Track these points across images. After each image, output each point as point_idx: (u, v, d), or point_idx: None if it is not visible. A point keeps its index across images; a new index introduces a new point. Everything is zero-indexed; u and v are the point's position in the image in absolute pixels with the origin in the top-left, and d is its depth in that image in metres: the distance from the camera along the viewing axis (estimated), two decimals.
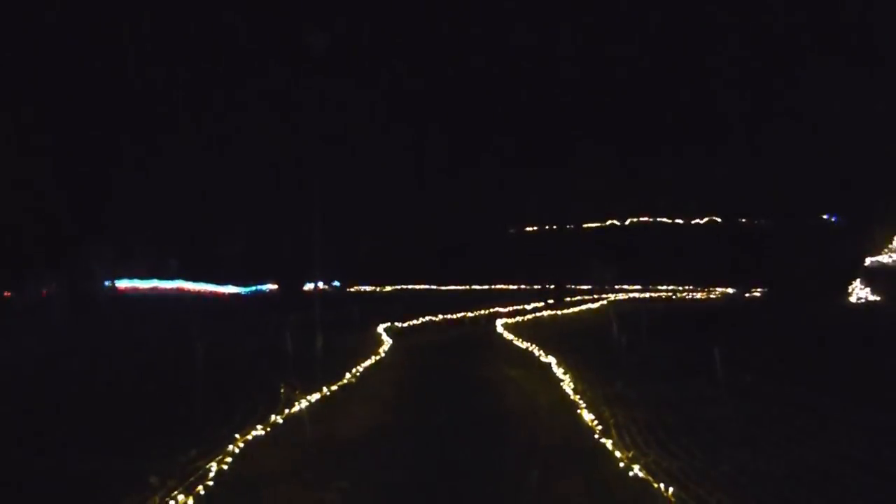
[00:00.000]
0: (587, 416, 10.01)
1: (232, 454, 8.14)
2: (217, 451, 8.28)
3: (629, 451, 8.16)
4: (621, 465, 7.70)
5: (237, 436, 8.86)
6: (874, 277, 25.49)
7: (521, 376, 15.61)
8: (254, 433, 9.11)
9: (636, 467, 7.46)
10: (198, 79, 53.14)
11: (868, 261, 27.21)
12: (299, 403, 11.02)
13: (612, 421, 9.72)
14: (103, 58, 45.91)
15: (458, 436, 10.19)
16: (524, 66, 76.05)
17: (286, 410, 10.52)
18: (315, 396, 11.88)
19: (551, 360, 16.55)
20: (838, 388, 12.44)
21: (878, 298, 24.08)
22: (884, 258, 27.13)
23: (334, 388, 13.05)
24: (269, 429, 9.49)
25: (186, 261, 54.97)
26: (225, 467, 7.70)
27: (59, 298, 30.39)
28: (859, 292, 24.89)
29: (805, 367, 14.82)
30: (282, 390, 11.35)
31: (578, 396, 11.62)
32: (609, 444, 8.47)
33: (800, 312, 23.33)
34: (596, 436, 8.97)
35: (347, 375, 14.30)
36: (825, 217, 70.45)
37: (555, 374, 14.78)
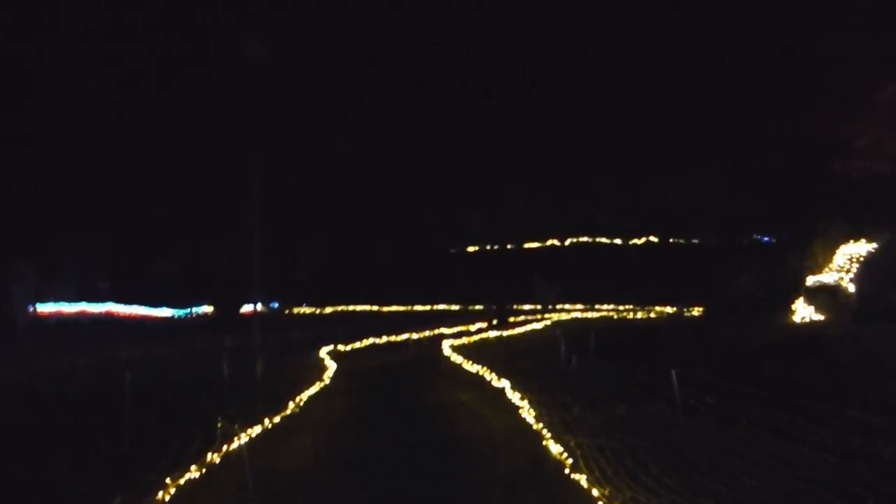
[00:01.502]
0: (553, 448, 9.35)
1: (162, 503, 7.20)
2: (145, 498, 7.34)
3: (605, 488, 7.55)
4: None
5: (168, 480, 7.89)
6: (816, 296, 25.84)
7: (474, 402, 14.96)
8: (188, 475, 8.15)
9: None
10: (129, 82, 51.06)
11: (810, 280, 27.66)
12: (238, 439, 10.07)
13: (578, 452, 9.10)
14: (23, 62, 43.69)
15: (415, 469, 9.45)
16: (466, 82, 76.13)
17: (224, 447, 9.55)
18: (256, 430, 10.95)
19: (504, 383, 15.94)
20: (799, 409, 12.16)
21: (821, 318, 24.34)
22: (824, 277, 27.62)
23: (277, 419, 12.10)
24: (204, 469, 8.54)
25: (117, 282, 52.65)
26: None
27: None
28: (802, 311, 25.16)
29: (762, 386, 14.55)
30: (219, 425, 10.36)
31: (541, 425, 10.97)
32: (583, 479, 7.84)
33: (745, 331, 23.35)
34: (567, 470, 8.32)
35: (291, 405, 13.36)
36: (759, 237, 72.32)
37: (510, 399, 14.16)
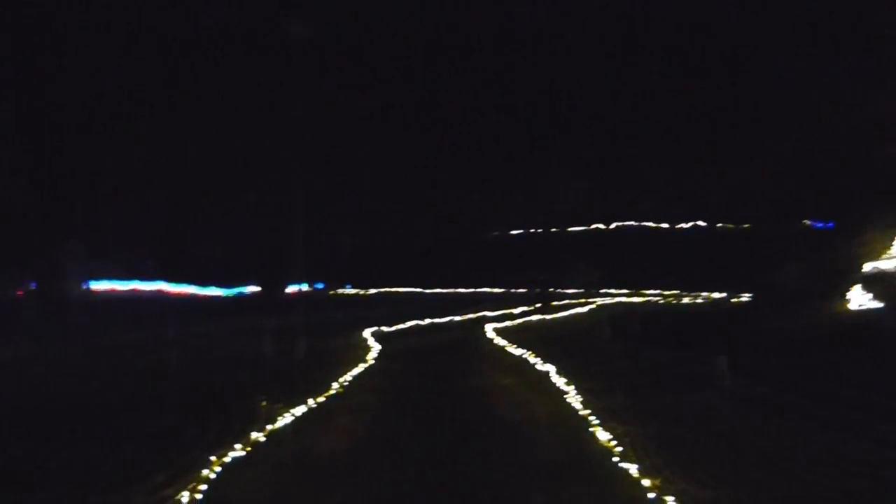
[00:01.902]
0: (600, 436, 9.13)
1: (206, 480, 7.20)
2: (188, 475, 7.36)
3: (655, 479, 7.31)
4: (651, 495, 6.86)
5: (212, 458, 7.90)
6: (874, 283, 24.94)
7: (517, 386, 14.80)
8: (231, 454, 8.16)
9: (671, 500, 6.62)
10: (175, 72, 51.63)
11: (867, 266, 26.68)
12: (282, 418, 10.09)
13: (626, 440, 8.87)
14: (76, 54, 44.43)
15: (455, 453, 9.35)
16: (511, 69, 75.24)
17: (267, 427, 9.57)
18: (300, 409, 10.96)
19: (548, 367, 15.73)
20: (857, 401, 11.70)
21: (880, 305, 23.48)
22: (883, 263, 26.59)
23: (321, 399, 12.12)
24: (248, 448, 8.55)
25: (168, 262, 53.76)
26: (198, 496, 6.77)
27: (28, 300, 29.16)
28: (859, 299, 24.30)
29: (816, 377, 14.07)
30: (263, 403, 10.40)
31: (587, 412, 10.75)
32: (633, 469, 7.61)
33: (795, 319, 22.67)
34: (615, 459, 8.11)
35: (335, 385, 13.37)
36: (809, 222, 70.38)
37: (553, 384, 13.95)
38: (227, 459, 7.99)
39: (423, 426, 11.02)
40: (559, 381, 13.85)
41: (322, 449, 9.35)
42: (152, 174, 50.54)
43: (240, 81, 50.14)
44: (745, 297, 47.17)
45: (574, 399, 12.00)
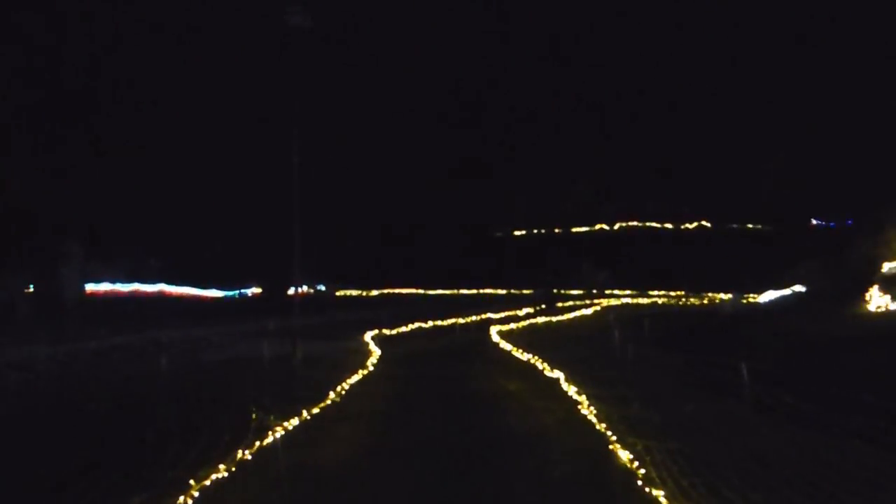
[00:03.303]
0: (621, 454, 8.33)
1: None
2: (165, 499, 6.60)
3: None
4: None
5: (192, 481, 7.12)
6: (894, 285, 24.09)
7: (524, 393, 14.02)
8: (215, 476, 7.38)
9: None
10: (175, 68, 50.92)
11: (886, 267, 25.83)
12: (274, 432, 9.32)
13: (648, 458, 8.07)
14: (74, 49, 43.73)
15: (460, 469, 8.58)
16: (512, 68, 74.47)
17: (256, 443, 8.79)
18: (293, 422, 10.19)
19: (557, 374, 14.95)
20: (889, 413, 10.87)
21: None
22: None
23: (316, 410, 11.33)
24: (234, 468, 7.77)
25: (170, 262, 52.99)
26: None
27: (19, 303, 28.42)
28: (878, 300, 23.46)
29: (842, 384, 13.22)
30: (253, 415, 9.63)
31: (603, 425, 9.94)
32: (659, 494, 6.80)
33: (813, 321, 21.84)
34: (640, 482, 7.30)
35: (332, 394, 12.59)
36: (820, 222, 69.58)
37: (565, 391, 13.17)
38: (210, 480, 7.23)
39: (424, 439, 10.26)
40: (570, 390, 13.06)
41: (316, 465, 8.59)
42: (153, 174, 49.96)
43: (240, 74, 49.52)
44: (753, 299, 46.32)
45: (587, 410, 11.20)
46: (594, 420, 10.36)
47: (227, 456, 8.13)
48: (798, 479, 7.77)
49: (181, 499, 6.58)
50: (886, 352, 16.05)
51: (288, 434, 9.59)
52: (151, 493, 6.86)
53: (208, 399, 12.01)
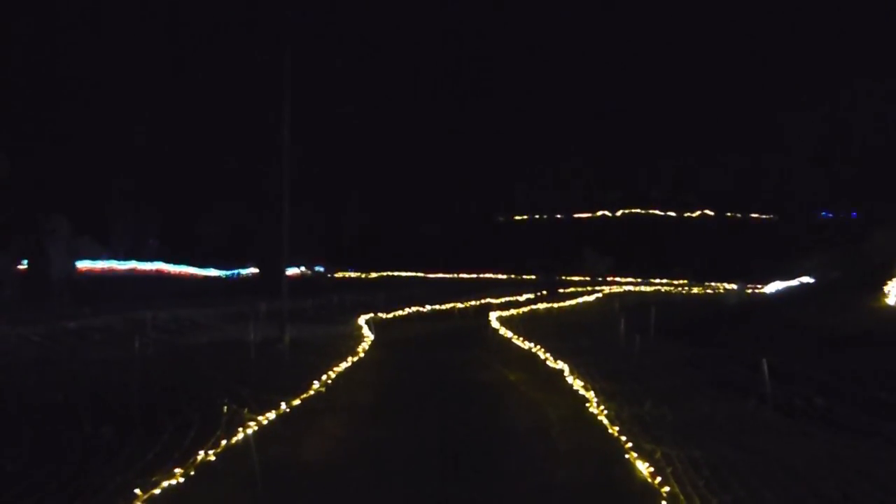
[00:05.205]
0: (640, 464, 7.28)
1: None
2: None
3: None
4: None
5: (138, 491, 6.09)
6: None
7: (526, 386, 13.00)
8: (168, 483, 6.36)
9: None
10: (176, 46, 49.74)
11: None
12: (246, 428, 8.28)
13: (669, 470, 7.04)
14: (68, 22, 42.57)
15: (455, 472, 7.57)
16: (517, 55, 73.14)
17: (223, 442, 7.75)
18: (270, 415, 9.17)
19: (561, 365, 13.94)
20: None
21: None
22: None
23: (297, 402, 10.30)
24: (192, 473, 6.74)
25: (167, 241, 52.00)
26: None
27: (5, 281, 27.36)
28: None
29: (869, 383, 12.16)
30: (224, 409, 8.59)
31: (617, 428, 8.89)
32: None
33: (828, 315, 20.77)
34: (663, 502, 6.26)
35: (316, 384, 11.55)
36: (821, 213, 68.61)
37: (571, 386, 12.14)
38: (161, 489, 6.21)
39: (414, 436, 9.27)
40: (577, 384, 12.04)
41: (292, 465, 7.62)
42: (153, 154, 49.02)
43: (238, 61, 48.27)
44: (758, 288, 45.30)
45: (596, 409, 10.17)
46: (606, 423, 9.31)
47: (188, 458, 7.10)
48: (837, 493, 6.77)
49: None
50: None
51: (262, 430, 8.57)
52: (98, 499, 5.86)
53: (181, 387, 10.98)
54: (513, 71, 72.57)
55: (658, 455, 7.56)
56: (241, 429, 8.22)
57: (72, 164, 41.71)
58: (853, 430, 9.18)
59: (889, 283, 22.86)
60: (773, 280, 44.79)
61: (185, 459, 7.01)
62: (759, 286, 46.16)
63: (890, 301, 21.63)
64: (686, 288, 54.49)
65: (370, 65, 63.01)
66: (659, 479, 6.68)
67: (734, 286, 48.90)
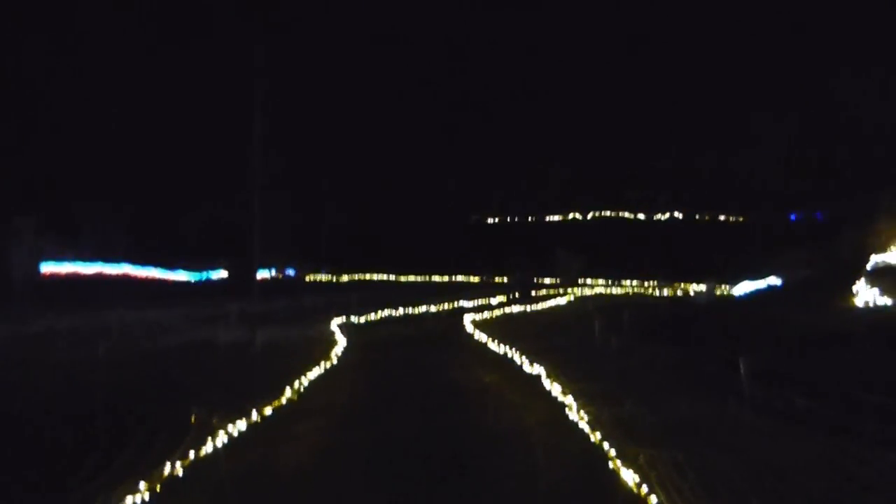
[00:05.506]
0: (623, 472, 7.09)
1: None
2: None
3: None
4: None
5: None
6: (882, 278, 23.28)
7: (503, 389, 12.79)
8: (131, 498, 6.01)
9: None
10: (143, 39, 48.75)
11: (873, 260, 25.03)
12: (214, 438, 7.95)
13: (653, 475, 6.86)
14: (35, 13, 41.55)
15: (432, 481, 7.32)
16: (488, 58, 73.02)
17: (190, 453, 7.41)
18: (241, 424, 8.83)
19: (538, 369, 13.76)
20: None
21: (888, 302, 21.79)
22: (891, 257, 24.95)
23: (269, 409, 9.97)
24: (158, 487, 6.40)
25: (135, 244, 50.91)
26: None
27: None
28: (865, 294, 22.61)
29: (850, 383, 12.14)
30: (192, 417, 8.25)
31: (599, 433, 8.71)
32: None
33: (800, 314, 20.92)
34: None
35: (288, 391, 11.21)
36: (791, 214, 69.48)
37: (549, 392, 11.97)
38: (129, 501, 5.87)
39: (390, 446, 8.99)
40: (554, 389, 11.85)
41: (265, 474, 7.31)
42: (125, 150, 48.10)
43: (213, 59, 47.59)
44: (726, 289, 45.67)
45: (575, 414, 9.99)
46: (586, 428, 9.13)
47: (153, 469, 6.75)
48: (828, 501, 6.66)
49: None
50: (881, 347, 15.12)
51: (233, 438, 8.23)
52: None
53: (149, 393, 10.58)
54: (485, 73, 72.33)
55: (641, 460, 7.39)
56: (210, 437, 7.88)
57: (38, 161, 40.82)
58: (838, 430, 9.10)
59: (857, 283, 23.12)
60: (742, 280, 45.18)
61: (151, 471, 6.66)
62: (727, 286, 46.57)
63: (858, 301, 21.86)
64: (656, 289, 54.84)
65: (345, 69, 62.49)
66: (643, 484, 6.49)
67: (703, 287, 49.34)
